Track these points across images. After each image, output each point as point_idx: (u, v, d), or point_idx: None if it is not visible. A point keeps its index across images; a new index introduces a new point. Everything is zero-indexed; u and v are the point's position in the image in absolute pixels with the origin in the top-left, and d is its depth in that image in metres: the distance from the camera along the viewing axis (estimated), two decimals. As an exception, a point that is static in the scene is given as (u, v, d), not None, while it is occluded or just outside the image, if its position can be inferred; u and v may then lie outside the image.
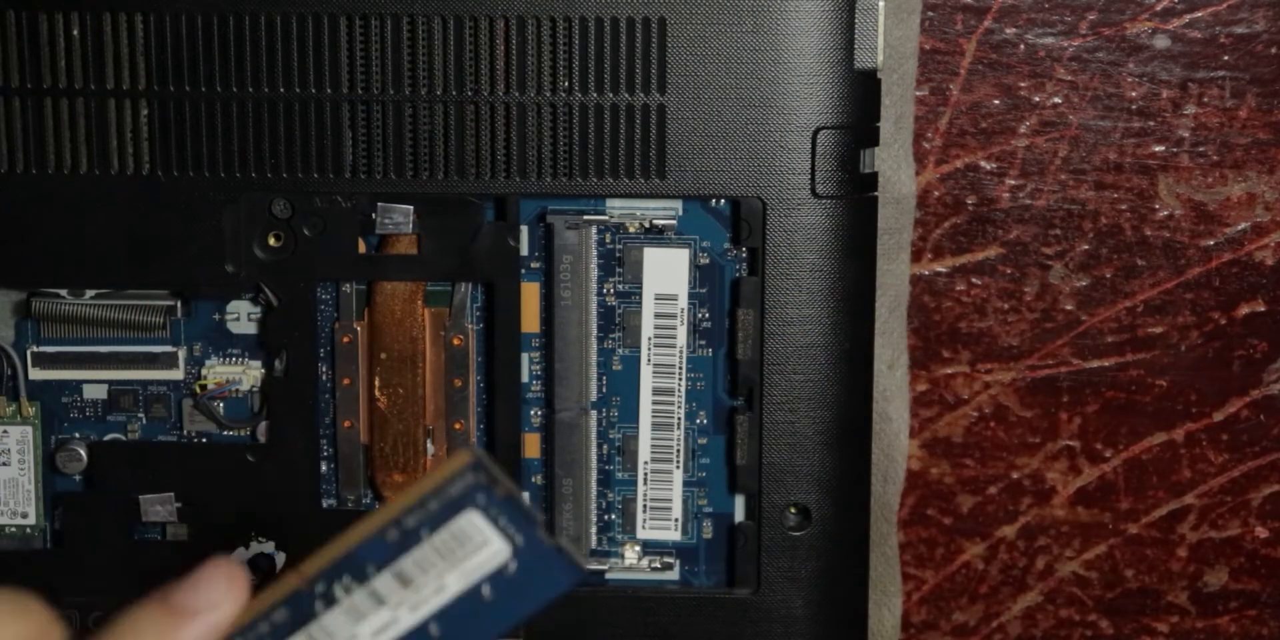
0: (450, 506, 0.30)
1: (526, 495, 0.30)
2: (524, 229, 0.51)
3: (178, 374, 0.52)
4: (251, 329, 0.52)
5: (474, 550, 0.30)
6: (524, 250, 0.51)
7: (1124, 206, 0.57)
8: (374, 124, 0.49)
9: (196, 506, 0.52)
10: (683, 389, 0.52)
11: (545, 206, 0.51)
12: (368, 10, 0.49)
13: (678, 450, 0.52)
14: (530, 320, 0.52)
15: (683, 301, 0.51)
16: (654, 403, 0.52)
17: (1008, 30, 0.56)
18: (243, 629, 0.31)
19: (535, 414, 0.52)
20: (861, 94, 0.50)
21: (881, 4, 0.49)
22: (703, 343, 0.52)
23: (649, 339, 0.51)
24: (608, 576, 0.53)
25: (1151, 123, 0.56)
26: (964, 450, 0.58)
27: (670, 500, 0.52)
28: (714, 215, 0.51)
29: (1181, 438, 0.58)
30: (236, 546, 0.52)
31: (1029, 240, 0.57)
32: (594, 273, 0.52)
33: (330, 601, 0.31)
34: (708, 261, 0.51)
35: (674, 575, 0.53)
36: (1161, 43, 0.56)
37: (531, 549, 0.30)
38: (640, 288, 0.51)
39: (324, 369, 0.52)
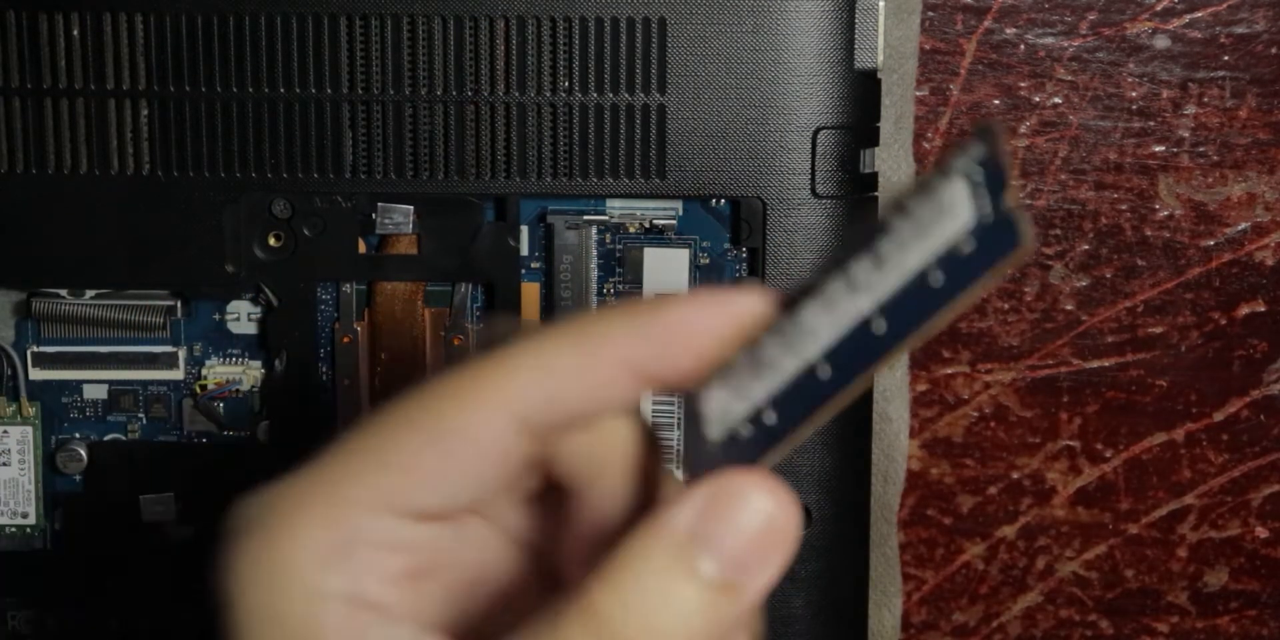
0: (945, 173, 0.26)
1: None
2: (524, 229, 0.51)
3: (178, 374, 0.52)
4: (251, 329, 0.52)
5: (943, 220, 0.26)
6: (524, 250, 0.51)
7: (1124, 206, 0.57)
8: (374, 124, 0.49)
9: (196, 506, 0.52)
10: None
11: (545, 206, 0.51)
12: (368, 10, 0.49)
13: (678, 451, 0.52)
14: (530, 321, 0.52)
15: (683, 301, 0.51)
16: (654, 403, 0.52)
17: (1008, 30, 0.56)
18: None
19: (535, 414, 0.52)
20: (862, 94, 0.50)
21: (881, 4, 0.49)
22: (703, 343, 0.52)
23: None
24: (608, 577, 0.53)
25: (1151, 123, 0.56)
26: (964, 450, 0.58)
27: (670, 500, 0.52)
28: (714, 215, 0.51)
29: (1181, 438, 0.58)
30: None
31: (1029, 240, 0.57)
32: (594, 273, 0.52)
33: (810, 294, 0.27)
34: (708, 262, 0.51)
35: (674, 575, 0.53)
36: (1161, 43, 0.56)
37: (991, 217, 0.26)
38: (640, 288, 0.51)
39: (324, 369, 0.52)
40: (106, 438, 0.53)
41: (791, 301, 0.28)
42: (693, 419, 0.29)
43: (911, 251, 0.27)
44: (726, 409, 0.29)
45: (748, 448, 0.28)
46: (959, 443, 0.58)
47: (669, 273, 0.51)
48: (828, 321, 0.27)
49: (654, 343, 0.28)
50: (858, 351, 0.27)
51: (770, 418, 0.28)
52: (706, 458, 0.29)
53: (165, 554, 0.52)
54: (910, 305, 0.27)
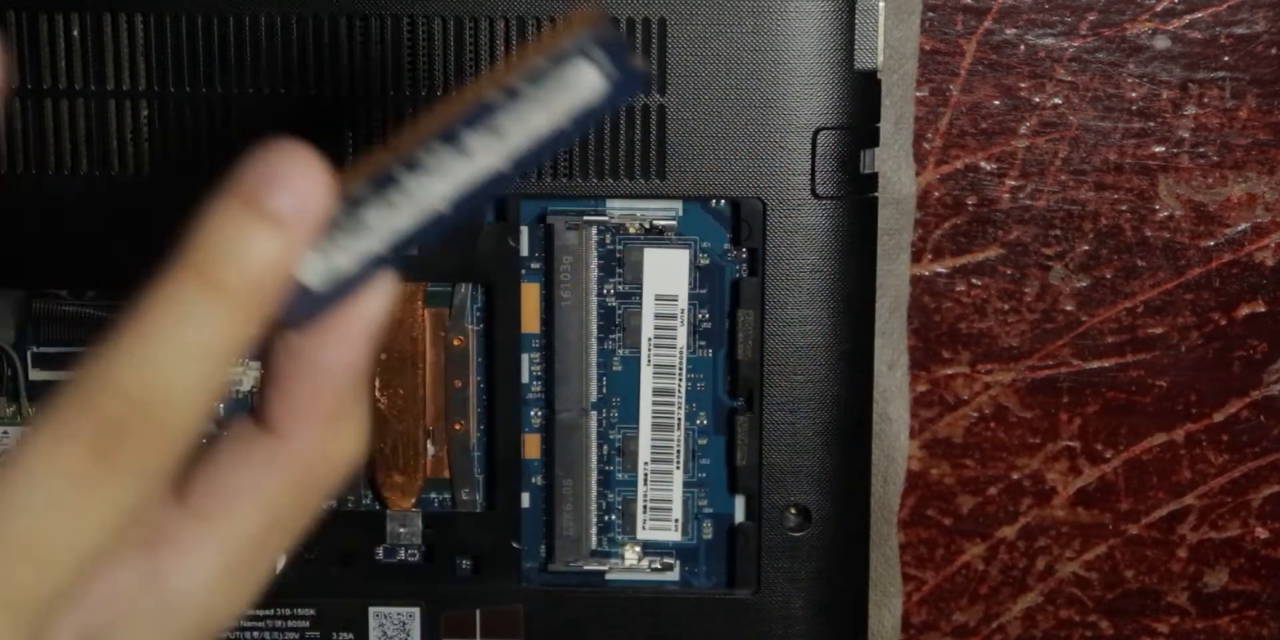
0: (562, 59, 0.29)
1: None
2: (524, 230, 0.51)
3: (178, 374, 0.52)
4: (251, 329, 0.52)
5: (573, 94, 0.29)
6: (524, 251, 0.51)
7: (1124, 207, 0.57)
8: (374, 124, 0.49)
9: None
10: (683, 390, 0.52)
11: (545, 207, 0.51)
12: (368, 10, 0.49)
13: (678, 451, 0.52)
14: (530, 321, 0.52)
15: (683, 302, 0.51)
16: (654, 403, 0.52)
17: (1008, 31, 0.56)
18: None
19: (535, 415, 0.52)
20: (861, 94, 0.50)
21: (881, 4, 0.49)
22: (703, 343, 0.52)
23: (649, 340, 0.51)
24: (608, 577, 0.53)
25: (1151, 123, 0.56)
26: (964, 451, 0.58)
27: (670, 501, 0.52)
28: (714, 216, 0.51)
29: (1181, 438, 0.58)
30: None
31: (1029, 241, 0.57)
32: (594, 273, 0.52)
33: (415, 166, 0.29)
34: (708, 262, 0.51)
35: (674, 576, 0.53)
36: (1161, 43, 0.56)
37: (621, 82, 0.29)
38: (640, 288, 0.51)
39: (324, 369, 0.52)
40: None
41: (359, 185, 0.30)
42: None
43: (538, 118, 0.29)
44: (330, 267, 0.29)
45: (364, 275, 0.29)
46: (959, 443, 0.58)
47: (669, 273, 0.51)
48: (446, 183, 0.29)
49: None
50: (485, 189, 0.29)
51: (384, 253, 0.29)
52: (316, 296, 0.30)
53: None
54: (540, 148, 0.29)
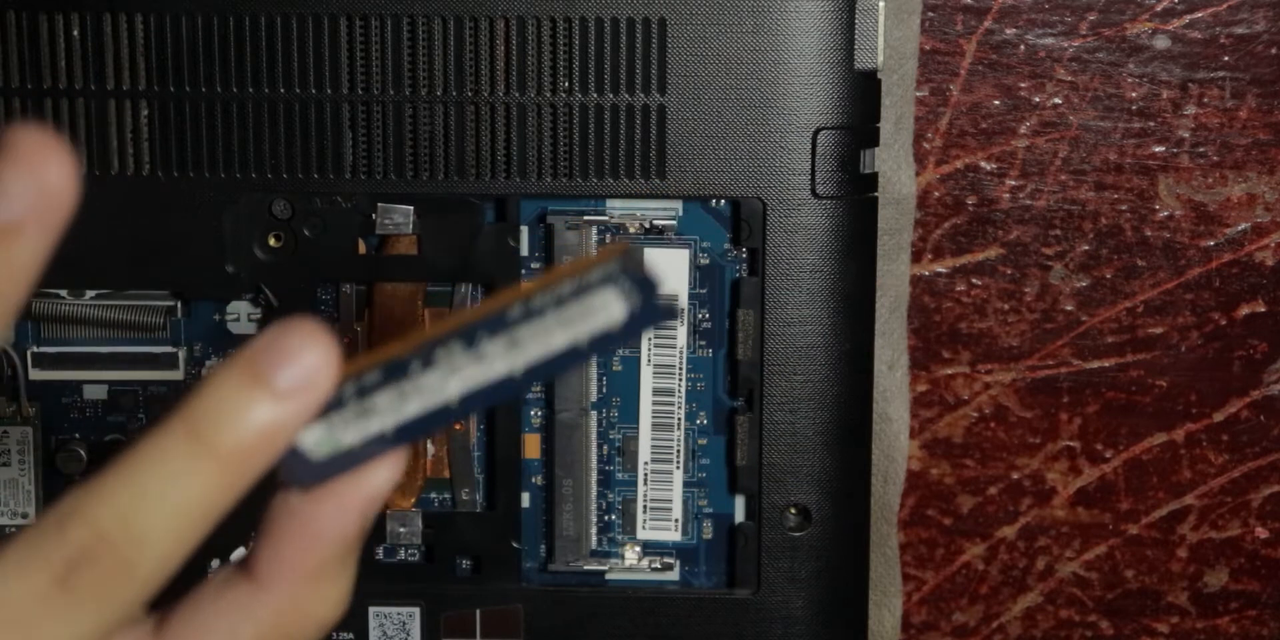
0: (588, 288, 0.30)
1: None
2: (524, 229, 0.51)
3: (178, 375, 0.52)
4: (251, 329, 0.52)
5: (594, 319, 0.30)
6: (524, 251, 0.51)
7: (1124, 207, 0.57)
8: (374, 124, 0.49)
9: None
10: (683, 389, 0.52)
11: (545, 207, 0.51)
12: (368, 10, 0.49)
13: (678, 451, 0.52)
14: (530, 320, 0.52)
15: (683, 302, 0.51)
16: (654, 403, 0.52)
17: (1008, 31, 0.56)
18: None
19: (535, 414, 0.52)
20: (861, 94, 0.50)
21: (881, 4, 0.49)
22: (703, 343, 0.52)
23: (649, 339, 0.51)
24: (608, 577, 0.53)
25: (1151, 123, 0.56)
26: (964, 451, 0.58)
27: (670, 501, 0.52)
28: (714, 216, 0.51)
29: (1181, 438, 0.58)
30: (236, 547, 0.52)
31: (1029, 241, 0.57)
32: (594, 273, 0.51)
33: (429, 363, 0.30)
34: (708, 262, 0.51)
35: (674, 576, 0.53)
36: (1161, 43, 0.56)
37: (644, 310, 0.30)
38: (640, 288, 0.51)
39: (324, 369, 0.52)
40: (106, 438, 0.53)
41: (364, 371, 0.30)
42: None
43: (557, 337, 0.30)
44: (332, 439, 0.30)
45: (370, 451, 0.30)
46: (959, 443, 0.58)
47: (669, 273, 0.51)
48: (457, 382, 0.30)
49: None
50: (496, 390, 0.30)
51: (390, 433, 0.30)
52: (319, 464, 0.31)
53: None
54: (556, 361, 0.30)
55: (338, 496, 0.30)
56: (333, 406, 0.30)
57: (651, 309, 0.30)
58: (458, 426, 0.52)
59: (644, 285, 0.30)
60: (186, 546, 0.29)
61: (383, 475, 0.30)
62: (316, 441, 0.30)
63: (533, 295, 0.30)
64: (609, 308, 0.30)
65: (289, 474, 0.30)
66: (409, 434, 0.30)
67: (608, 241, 0.51)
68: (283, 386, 0.29)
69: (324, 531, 0.30)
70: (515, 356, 0.30)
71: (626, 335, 0.30)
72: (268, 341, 0.29)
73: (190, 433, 0.29)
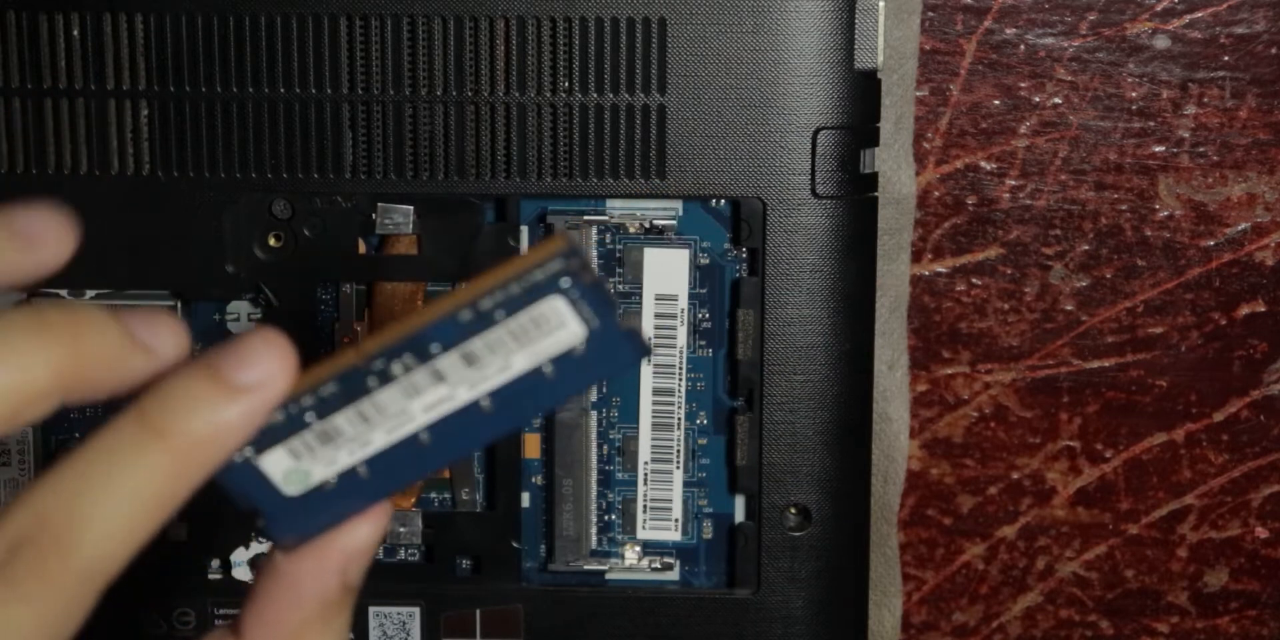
0: (533, 291, 0.29)
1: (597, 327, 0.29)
2: (524, 229, 0.51)
3: (178, 374, 0.52)
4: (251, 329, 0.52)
5: (549, 333, 0.29)
6: (524, 250, 0.51)
7: (1124, 207, 0.57)
8: (374, 124, 0.49)
9: (196, 506, 0.52)
10: (683, 389, 0.52)
11: (545, 207, 0.51)
12: (368, 10, 0.49)
13: (678, 450, 0.52)
14: (530, 320, 0.52)
15: (683, 302, 0.51)
16: (654, 403, 0.52)
17: (1008, 30, 0.56)
18: (286, 401, 0.30)
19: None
20: (861, 94, 0.50)
21: (881, 4, 0.49)
22: (703, 343, 0.52)
23: (649, 339, 0.51)
24: (608, 577, 0.53)
25: (1151, 123, 0.56)
26: (964, 450, 0.58)
27: (670, 500, 0.52)
28: (714, 215, 0.51)
29: (1181, 438, 0.58)
30: (236, 546, 0.52)
31: (1029, 240, 0.57)
32: (594, 273, 0.52)
33: (387, 378, 0.30)
34: (708, 262, 0.51)
35: (674, 575, 0.53)
36: (1161, 43, 0.56)
37: (605, 332, 0.29)
38: (640, 288, 0.51)
39: (324, 369, 0.52)
40: (106, 438, 0.53)
41: (322, 376, 0.30)
42: (249, 479, 0.31)
43: (516, 356, 0.29)
44: (301, 470, 0.30)
45: (347, 496, 0.30)
46: (959, 443, 0.58)
47: (669, 273, 0.51)
48: (420, 405, 0.30)
49: (79, 370, 0.29)
50: (468, 427, 0.30)
51: (363, 472, 0.30)
52: (297, 508, 0.31)
53: (163, 552, 0.52)
54: (525, 393, 0.30)
55: (317, 554, 0.30)
56: (294, 426, 0.30)
57: (611, 332, 0.29)
58: (445, 474, 0.52)
59: (593, 294, 0.29)
60: (134, 536, 0.29)
61: (364, 532, 0.31)
62: (286, 474, 0.30)
63: (480, 297, 0.30)
64: (563, 320, 0.29)
65: (275, 527, 0.30)
66: (387, 482, 0.30)
67: (607, 242, 0.51)
68: (236, 382, 0.29)
69: (304, 590, 0.31)
70: (475, 377, 0.29)
71: (595, 365, 0.29)
72: (228, 344, 0.30)
73: (141, 421, 0.29)
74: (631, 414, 0.52)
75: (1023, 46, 0.56)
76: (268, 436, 0.30)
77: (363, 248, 0.51)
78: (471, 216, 0.51)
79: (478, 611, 0.52)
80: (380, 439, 0.30)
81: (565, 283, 0.29)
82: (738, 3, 0.49)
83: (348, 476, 0.30)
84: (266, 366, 0.29)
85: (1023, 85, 0.56)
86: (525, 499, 0.52)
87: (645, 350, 0.30)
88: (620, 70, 0.49)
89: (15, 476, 0.53)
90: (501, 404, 0.30)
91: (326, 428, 0.30)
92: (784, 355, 0.50)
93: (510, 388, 0.30)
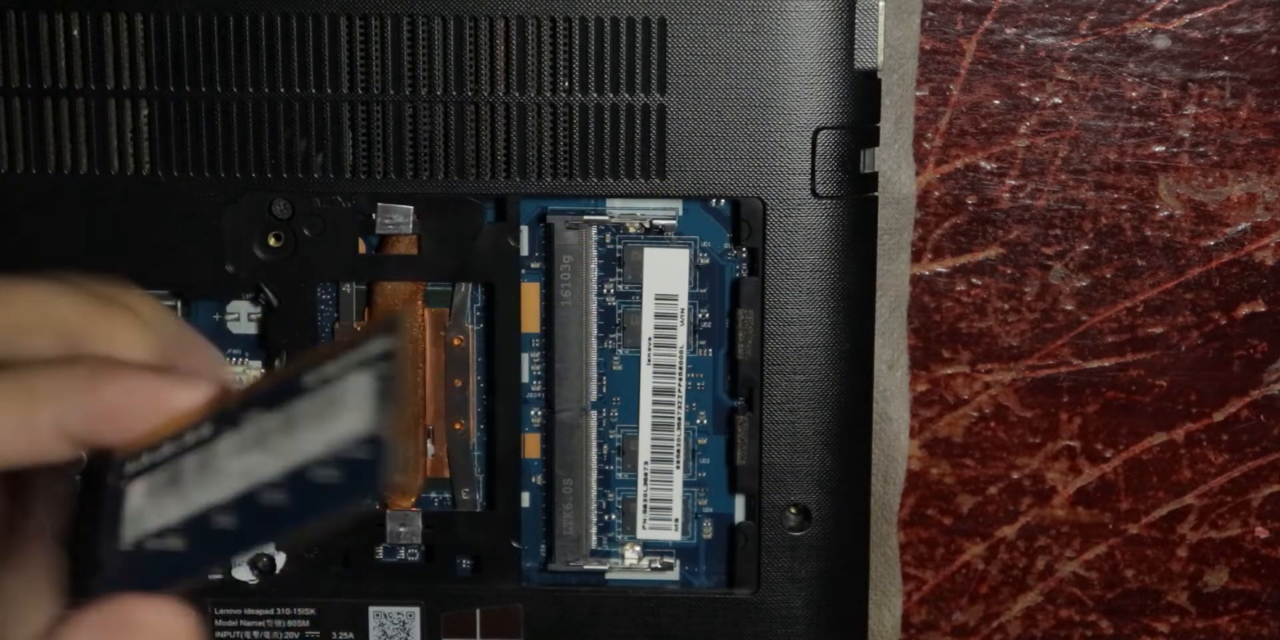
0: (344, 369, 0.28)
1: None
2: (524, 229, 0.51)
3: (178, 374, 0.52)
4: (251, 329, 0.52)
5: (342, 415, 0.28)
6: (524, 250, 0.51)
7: (1124, 207, 0.57)
8: (374, 124, 0.49)
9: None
10: (683, 389, 0.52)
11: (545, 207, 0.51)
12: (368, 10, 0.49)
13: (678, 450, 0.52)
14: (530, 320, 0.52)
15: (683, 302, 0.51)
16: (654, 403, 0.52)
17: (1008, 30, 0.56)
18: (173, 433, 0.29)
19: (535, 414, 0.52)
20: (861, 94, 0.50)
21: (881, 4, 0.49)
22: (703, 343, 0.52)
23: (649, 339, 0.51)
24: (608, 576, 0.53)
25: (1151, 123, 0.56)
26: (964, 450, 0.58)
27: (670, 500, 0.52)
28: (714, 215, 0.51)
29: (1181, 438, 0.58)
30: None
31: (1029, 240, 0.57)
32: (594, 273, 0.52)
33: (235, 426, 0.29)
34: (708, 262, 0.51)
35: (674, 575, 0.53)
36: (1161, 43, 0.56)
37: (375, 442, 0.27)
38: (640, 288, 0.51)
39: (324, 369, 0.52)
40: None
41: (229, 411, 0.29)
42: (111, 504, 0.30)
43: (308, 432, 0.27)
44: (142, 514, 0.29)
45: (154, 569, 0.29)
46: (959, 443, 0.58)
47: (669, 273, 0.51)
48: (235, 468, 0.28)
49: (89, 415, 0.30)
50: (253, 518, 0.28)
51: (176, 543, 0.28)
52: (108, 564, 0.29)
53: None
54: (293, 501, 0.27)
55: (100, 618, 0.28)
56: (158, 462, 0.29)
57: (368, 459, 0.27)
58: (457, 426, 0.52)
59: (386, 394, 0.27)
60: None
61: (165, 623, 0.28)
62: (134, 513, 0.29)
63: (301, 368, 0.28)
64: (357, 402, 0.27)
65: (111, 570, 0.28)
66: (197, 557, 0.28)
67: (607, 242, 0.51)
68: (119, 383, 0.29)
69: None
70: (275, 448, 0.28)
71: (356, 484, 0.27)
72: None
73: (14, 373, 0.29)
74: (631, 414, 0.52)
75: (1023, 46, 0.56)
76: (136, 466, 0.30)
77: (363, 247, 0.51)
78: (471, 216, 0.51)
79: (478, 611, 0.52)
80: (199, 498, 0.28)
81: (377, 375, 0.28)
82: (738, 3, 0.49)
83: (165, 541, 0.29)
84: (150, 390, 0.29)
85: (1023, 85, 0.56)
86: (525, 499, 0.52)
87: (384, 478, 0.27)
88: (620, 70, 0.49)
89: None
90: (289, 501, 0.27)
91: (178, 470, 0.29)
92: (784, 355, 0.50)
93: (289, 480, 0.28)
